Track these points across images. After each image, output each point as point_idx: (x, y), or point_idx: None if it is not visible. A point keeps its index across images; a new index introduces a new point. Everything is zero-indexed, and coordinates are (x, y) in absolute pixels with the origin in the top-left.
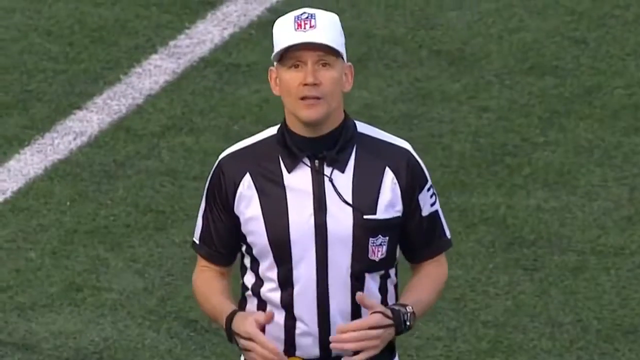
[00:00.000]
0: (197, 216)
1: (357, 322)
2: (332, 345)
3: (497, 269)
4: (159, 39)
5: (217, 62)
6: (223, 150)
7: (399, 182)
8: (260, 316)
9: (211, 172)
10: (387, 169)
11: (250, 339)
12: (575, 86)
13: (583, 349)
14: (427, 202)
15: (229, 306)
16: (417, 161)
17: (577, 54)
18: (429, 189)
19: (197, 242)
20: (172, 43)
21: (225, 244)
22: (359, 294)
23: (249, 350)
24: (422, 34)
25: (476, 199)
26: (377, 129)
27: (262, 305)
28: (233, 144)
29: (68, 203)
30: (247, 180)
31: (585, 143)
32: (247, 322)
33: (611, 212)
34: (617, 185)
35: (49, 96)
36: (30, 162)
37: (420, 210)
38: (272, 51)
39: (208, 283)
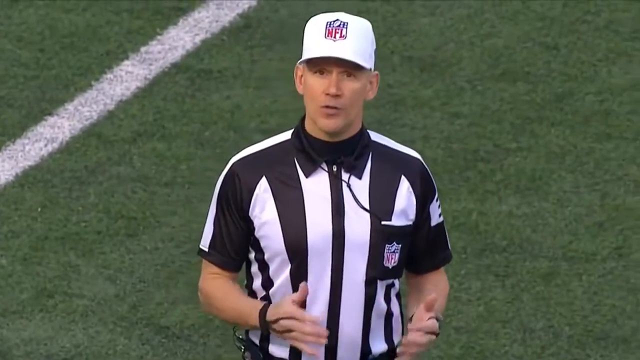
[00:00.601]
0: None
1: (425, 324)
2: (401, 350)
3: (469, 275)
4: (131, 45)
5: (189, 68)
6: (195, 156)
7: (414, 192)
8: (295, 295)
9: (222, 177)
10: (403, 178)
11: (290, 318)
12: (546, 92)
13: (555, 355)
14: (436, 213)
15: (257, 302)
16: (429, 172)
17: (548, 60)
18: (437, 200)
19: (207, 249)
20: (143, 49)
21: (238, 249)
22: (432, 296)
23: (291, 331)
24: (394, 40)
25: (448, 205)
26: (388, 138)
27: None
28: (206, 149)
29: (39, 209)
30: (263, 184)
31: (557, 149)
32: (283, 303)
33: (583, 218)
34: (589, 191)
35: (19, 102)
36: (1, 168)
37: (430, 220)
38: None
39: (224, 287)
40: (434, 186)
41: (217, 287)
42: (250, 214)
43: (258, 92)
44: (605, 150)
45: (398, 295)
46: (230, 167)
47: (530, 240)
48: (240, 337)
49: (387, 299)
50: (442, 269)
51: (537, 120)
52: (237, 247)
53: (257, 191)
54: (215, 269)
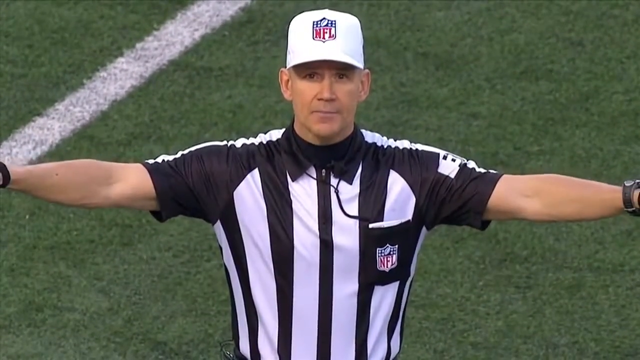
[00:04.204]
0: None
1: None
2: None
3: (488, 287)
4: (125, 40)
5: (188, 66)
6: None
7: (405, 179)
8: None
9: (216, 144)
10: (392, 172)
11: None
12: (571, 91)
13: None
14: (450, 167)
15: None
16: (417, 148)
17: (572, 57)
18: (445, 157)
19: (151, 161)
20: (139, 45)
21: (177, 191)
22: None
23: None
24: (407, 36)
25: None
26: (383, 137)
27: (254, 318)
28: None
29: (27, 217)
30: (256, 175)
31: (582, 152)
32: None
33: (609, 226)
34: None
35: (7, 102)
36: None
37: (448, 176)
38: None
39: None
40: (431, 153)
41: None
42: (233, 197)
43: (261, 91)
44: (633, 153)
45: (406, 304)
46: (228, 144)
47: (553, 250)
48: (228, 353)
49: (398, 306)
50: (505, 177)
51: (560, 121)
52: (176, 189)
53: (248, 178)
54: (141, 171)
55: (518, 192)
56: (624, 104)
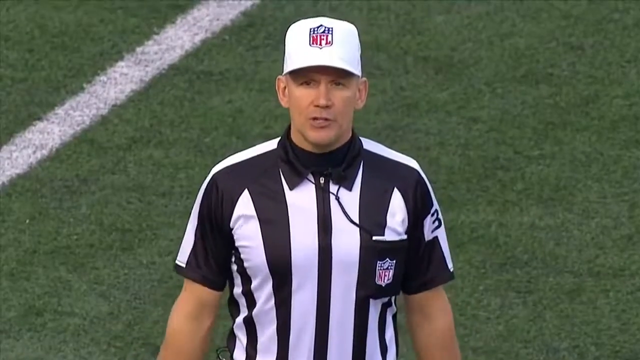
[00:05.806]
0: (182, 235)
1: None
2: None
3: (488, 292)
4: (125, 45)
5: (188, 70)
6: (194, 164)
7: (406, 205)
8: None
9: (203, 187)
10: (396, 190)
11: None
12: (571, 95)
13: None
14: (430, 228)
15: None
16: (426, 184)
17: (573, 61)
18: (433, 214)
19: (184, 265)
20: (139, 49)
21: (220, 265)
22: None
23: None
24: (407, 40)
25: (465, 216)
26: (382, 146)
27: (252, 329)
28: (206, 157)
29: (27, 221)
30: (245, 197)
31: (582, 156)
32: None
33: (610, 231)
34: (617, 201)
35: (6, 106)
36: None
37: (424, 235)
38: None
39: (181, 350)
40: (431, 199)
41: (176, 343)
42: (231, 228)
43: (262, 96)
44: (634, 157)
45: (394, 317)
46: (211, 178)
47: (553, 254)
48: None
49: (383, 320)
50: (440, 293)
51: (560, 125)
52: (219, 263)
53: (238, 204)
54: (194, 287)
55: (423, 306)
56: (624, 108)
